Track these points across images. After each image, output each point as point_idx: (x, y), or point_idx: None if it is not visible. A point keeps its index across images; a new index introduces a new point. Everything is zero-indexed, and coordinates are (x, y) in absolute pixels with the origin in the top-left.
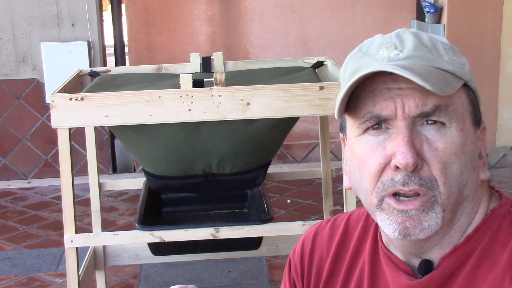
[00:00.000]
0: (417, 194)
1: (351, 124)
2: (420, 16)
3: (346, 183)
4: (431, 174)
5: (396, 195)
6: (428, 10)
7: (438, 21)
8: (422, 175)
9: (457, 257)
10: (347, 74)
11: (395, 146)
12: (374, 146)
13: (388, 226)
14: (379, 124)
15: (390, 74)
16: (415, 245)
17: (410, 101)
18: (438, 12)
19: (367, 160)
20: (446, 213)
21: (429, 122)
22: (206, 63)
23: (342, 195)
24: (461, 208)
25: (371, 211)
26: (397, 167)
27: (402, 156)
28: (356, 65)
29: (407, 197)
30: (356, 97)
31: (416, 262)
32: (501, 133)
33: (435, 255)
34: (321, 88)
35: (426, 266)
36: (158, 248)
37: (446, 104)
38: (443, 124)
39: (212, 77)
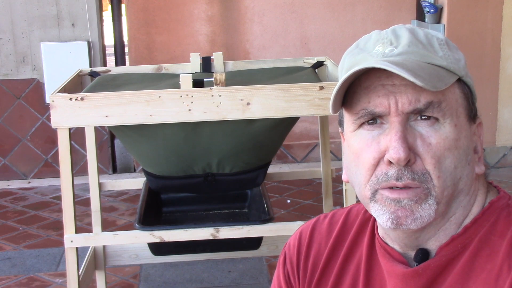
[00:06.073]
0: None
1: (347, 119)
2: (420, 16)
3: (344, 176)
4: (424, 168)
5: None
6: (428, 10)
7: (438, 21)
8: (415, 169)
9: (454, 246)
10: (344, 70)
11: (389, 141)
12: (369, 140)
13: (382, 216)
14: (374, 119)
15: (385, 70)
16: (410, 236)
17: (403, 97)
18: (438, 12)
19: (362, 155)
20: (440, 206)
21: (422, 117)
22: (206, 63)
23: (342, 195)
24: (457, 202)
25: (365, 203)
26: (390, 162)
27: (395, 151)
28: (353, 61)
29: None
30: (352, 93)
31: (412, 254)
32: (501, 133)
33: (431, 246)
34: (321, 88)
35: (423, 255)
36: (158, 248)
37: (439, 100)
38: (436, 119)
39: (212, 77)
